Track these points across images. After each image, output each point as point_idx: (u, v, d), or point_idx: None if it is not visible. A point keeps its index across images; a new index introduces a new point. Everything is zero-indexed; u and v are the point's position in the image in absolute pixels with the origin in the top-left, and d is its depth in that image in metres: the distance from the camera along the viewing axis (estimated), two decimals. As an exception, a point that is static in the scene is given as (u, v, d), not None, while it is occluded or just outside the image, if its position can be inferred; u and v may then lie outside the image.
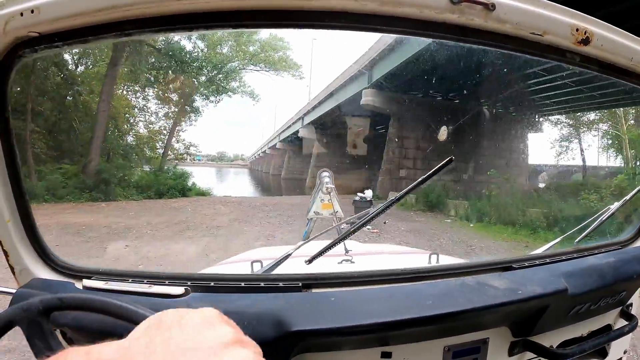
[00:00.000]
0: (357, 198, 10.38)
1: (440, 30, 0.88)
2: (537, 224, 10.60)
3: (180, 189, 18.78)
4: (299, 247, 1.30)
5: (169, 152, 25.33)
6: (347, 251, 1.68)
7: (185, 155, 26.30)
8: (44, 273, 1.03)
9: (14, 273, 1.03)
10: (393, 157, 19.35)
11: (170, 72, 21.22)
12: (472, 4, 0.83)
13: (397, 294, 0.95)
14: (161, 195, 17.37)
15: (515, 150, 17.61)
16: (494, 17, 0.86)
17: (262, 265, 1.38)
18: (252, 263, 1.45)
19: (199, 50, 22.43)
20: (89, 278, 1.00)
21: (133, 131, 19.77)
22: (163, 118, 23.20)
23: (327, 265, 1.41)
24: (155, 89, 20.71)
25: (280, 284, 0.97)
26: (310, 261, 1.17)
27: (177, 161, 25.60)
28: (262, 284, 0.98)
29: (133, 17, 0.82)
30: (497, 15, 0.86)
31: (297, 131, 33.82)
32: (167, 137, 23.33)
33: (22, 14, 0.81)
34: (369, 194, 10.61)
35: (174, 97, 22.00)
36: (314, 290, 0.99)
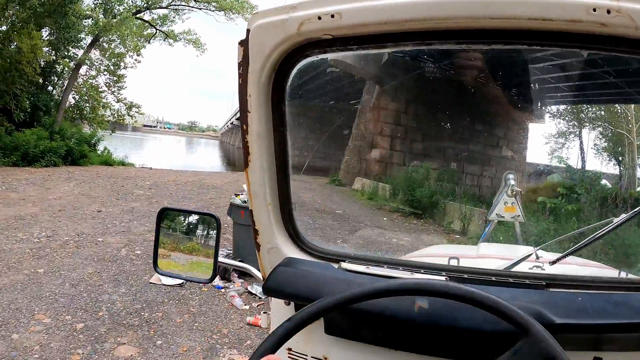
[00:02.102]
0: (239, 200, 4.41)
1: None
2: None
3: (64, 154, 14.40)
4: (539, 248, 1.41)
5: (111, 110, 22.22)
6: (537, 257, 1.47)
7: (125, 116, 23.12)
8: (293, 253, 1.09)
9: (258, 251, 1.09)
10: (364, 133, 13.29)
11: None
12: None
13: (631, 300, 0.94)
14: (32, 161, 13.19)
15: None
16: None
17: (458, 262, 1.48)
18: (449, 259, 1.49)
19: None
20: (343, 261, 1.06)
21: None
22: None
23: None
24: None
25: (527, 281, 0.99)
26: (553, 262, 1.26)
27: (115, 122, 23.23)
28: (510, 280, 1.01)
29: (439, 29, 0.83)
30: None
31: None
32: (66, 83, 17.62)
33: (320, 18, 0.86)
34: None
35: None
36: (551, 290, 0.99)
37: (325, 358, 1.08)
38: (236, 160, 37.25)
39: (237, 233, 4.93)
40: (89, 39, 18.66)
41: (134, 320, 3.74)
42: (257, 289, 4.35)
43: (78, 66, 18.20)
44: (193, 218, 1.42)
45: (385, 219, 8.41)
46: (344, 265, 1.05)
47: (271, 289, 1.04)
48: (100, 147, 19.51)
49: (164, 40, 21.27)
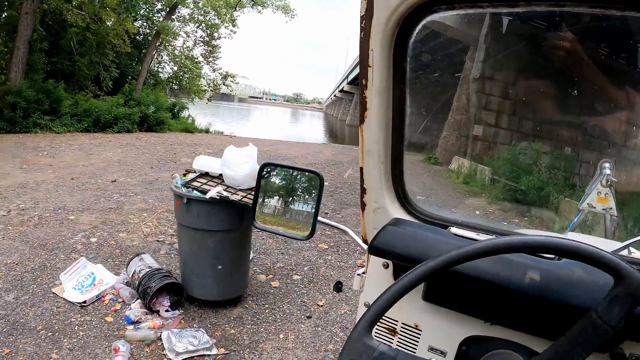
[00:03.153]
0: (181, 182, 2.60)
1: None
2: None
3: (138, 120, 14.40)
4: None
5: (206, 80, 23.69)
6: (630, 252, 1.28)
7: (220, 85, 24.38)
8: (399, 215, 1.07)
9: (363, 210, 1.08)
10: (466, 106, 10.35)
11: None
12: None
13: None
14: (104, 127, 13.33)
15: None
16: None
17: None
18: None
19: None
20: (452, 226, 1.04)
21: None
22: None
23: None
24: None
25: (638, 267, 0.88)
26: None
27: (211, 92, 24.79)
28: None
29: None
30: None
31: (362, 71, 27.83)
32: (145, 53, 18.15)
33: None
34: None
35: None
36: None
37: (416, 326, 1.04)
38: (337, 131, 36.23)
39: (181, 239, 3.21)
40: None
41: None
42: (173, 343, 2.63)
43: (157, 35, 18.64)
44: (295, 174, 1.38)
45: (477, 212, 6.13)
46: (454, 230, 1.02)
47: (378, 249, 1.00)
48: (196, 117, 20.18)
49: (252, 7, 21.28)
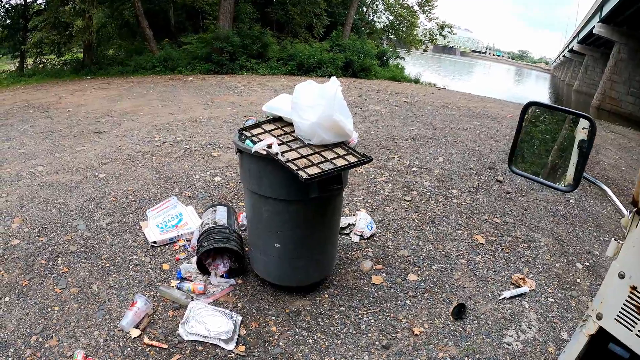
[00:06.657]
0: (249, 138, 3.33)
1: None
2: None
3: (342, 66, 14.59)
4: None
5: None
6: None
7: (437, 36, 23.72)
8: None
9: None
10: None
11: None
12: None
13: None
14: (307, 70, 13.93)
15: None
16: None
17: None
18: None
19: None
20: None
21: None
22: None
23: None
24: None
25: None
26: None
27: (427, 42, 24.32)
28: None
29: None
30: None
31: (593, 28, 23.65)
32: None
33: None
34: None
35: None
36: None
37: None
38: (563, 97, 31.05)
39: (245, 198, 2.60)
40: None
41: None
42: (189, 318, 2.20)
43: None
44: (562, 117, 1.28)
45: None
46: None
47: None
48: (413, 67, 20.15)
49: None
